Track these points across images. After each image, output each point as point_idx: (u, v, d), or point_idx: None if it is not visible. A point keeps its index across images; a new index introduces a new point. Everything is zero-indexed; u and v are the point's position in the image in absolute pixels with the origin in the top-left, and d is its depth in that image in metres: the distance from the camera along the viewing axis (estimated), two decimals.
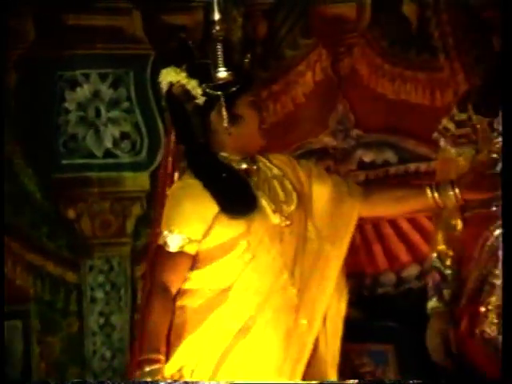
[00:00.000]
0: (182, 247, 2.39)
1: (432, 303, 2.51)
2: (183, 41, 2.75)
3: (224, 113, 2.41)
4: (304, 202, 2.51)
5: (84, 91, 3.26)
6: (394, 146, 3.21)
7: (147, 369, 2.31)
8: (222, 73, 2.44)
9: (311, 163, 2.67)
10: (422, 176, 3.08)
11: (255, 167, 2.50)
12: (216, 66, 2.42)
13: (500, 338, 2.38)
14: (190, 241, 2.39)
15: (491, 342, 2.41)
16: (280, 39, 3.32)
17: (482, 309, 2.41)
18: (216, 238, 2.39)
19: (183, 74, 2.41)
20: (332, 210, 2.55)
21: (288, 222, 2.43)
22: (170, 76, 2.43)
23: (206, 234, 2.39)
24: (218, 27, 2.44)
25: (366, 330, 2.98)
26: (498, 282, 2.41)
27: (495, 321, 2.41)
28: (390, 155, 3.22)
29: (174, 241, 2.39)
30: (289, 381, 2.42)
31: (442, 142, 2.52)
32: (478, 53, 2.88)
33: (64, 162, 3.24)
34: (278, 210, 2.47)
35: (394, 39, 3.17)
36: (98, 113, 3.28)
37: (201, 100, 2.42)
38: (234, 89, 2.42)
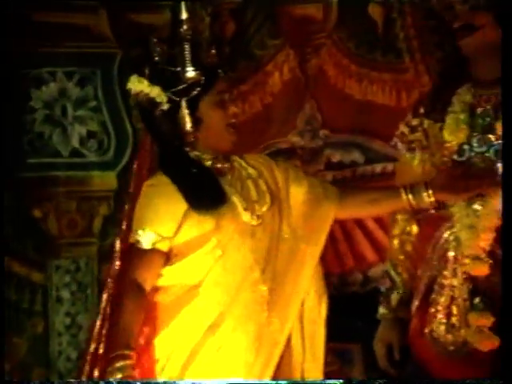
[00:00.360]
0: (154, 244, 2.41)
1: (381, 310, 2.57)
2: (147, 42, 2.66)
3: (186, 117, 2.44)
4: (279, 202, 2.54)
5: (50, 89, 3.27)
6: (361, 147, 3.25)
7: (118, 364, 2.32)
8: (190, 72, 2.46)
9: (289, 164, 2.69)
10: (388, 177, 3.10)
11: (228, 166, 2.51)
12: (184, 66, 2.43)
13: (449, 337, 2.43)
14: (162, 238, 2.41)
15: (439, 341, 2.44)
16: (248, 39, 3.35)
17: (432, 309, 2.44)
18: (185, 235, 2.41)
19: (146, 83, 2.44)
20: (308, 211, 2.56)
21: (259, 222, 2.45)
22: (134, 85, 2.46)
23: (177, 231, 2.40)
24: (185, 26, 2.45)
25: (333, 329, 3.02)
26: (447, 282, 2.45)
27: (443, 321, 2.44)
28: (357, 155, 3.26)
29: (146, 238, 2.42)
30: (259, 379, 2.44)
31: (399, 147, 2.57)
32: (441, 55, 2.92)
33: (30, 160, 3.25)
34: (249, 208, 2.48)
35: (360, 40, 3.21)
36: (64, 111, 3.29)
37: (165, 106, 2.44)
38: (195, 92, 2.42)
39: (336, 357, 3.05)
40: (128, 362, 2.35)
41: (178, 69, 2.44)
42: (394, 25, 3.11)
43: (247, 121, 3.33)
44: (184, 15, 2.47)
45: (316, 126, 3.30)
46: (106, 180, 3.25)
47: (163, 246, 2.39)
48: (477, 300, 2.41)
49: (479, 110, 2.47)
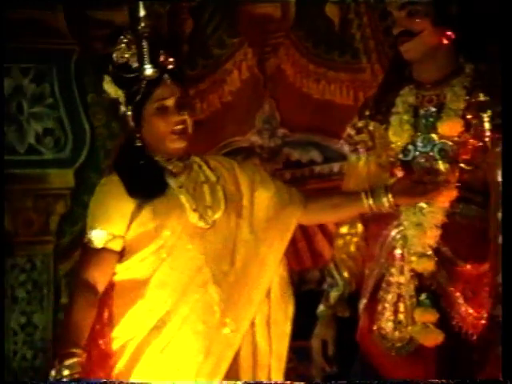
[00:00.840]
0: (106, 244, 2.45)
1: (320, 307, 2.63)
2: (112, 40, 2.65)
3: (130, 121, 2.46)
4: (240, 206, 2.55)
5: (6, 86, 3.22)
6: (319, 146, 3.29)
7: (66, 362, 2.33)
8: (148, 70, 2.47)
9: (256, 168, 2.71)
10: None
11: (182, 167, 2.51)
12: (142, 63, 2.44)
13: (396, 334, 2.48)
14: (114, 237, 2.43)
15: (387, 338, 2.49)
16: (206, 37, 3.35)
17: (379, 307, 2.49)
18: (134, 233, 2.42)
19: (110, 82, 2.47)
20: (272, 215, 2.58)
21: (210, 225, 2.46)
22: (104, 84, 2.49)
23: (128, 229, 2.42)
24: (143, 24, 2.45)
25: (291, 327, 3.06)
26: (394, 279, 2.49)
27: (391, 318, 2.49)
28: (315, 154, 3.30)
29: (97, 237, 2.43)
30: (208, 381, 2.44)
31: (346, 149, 2.63)
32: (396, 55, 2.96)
33: None
34: (200, 211, 2.48)
35: (318, 40, 3.24)
36: (20, 108, 3.25)
37: (123, 108, 2.47)
38: (138, 98, 2.44)
39: (293, 354, 2.94)
40: (76, 359, 2.36)
41: (135, 71, 2.44)
42: (350, 25, 3.16)
43: (206, 119, 3.32)
44: (142, 12, 2.50)
45: (275, 124, 3.33)
46: (63, 178, 3.23)
47: (115, 245, 2.41)
48: (423, 296, 2.46)
49: (422, 111, 2.51)
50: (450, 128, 2.48)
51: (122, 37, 2.51)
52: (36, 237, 3.26)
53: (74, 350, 2.35)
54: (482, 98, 2.49)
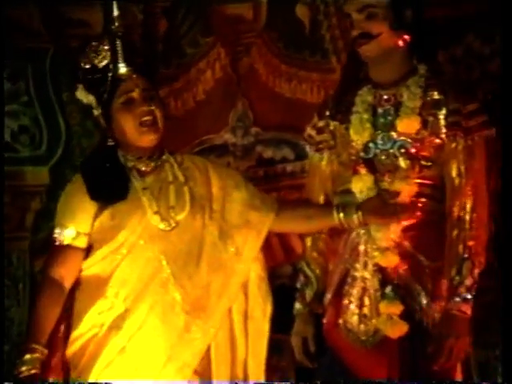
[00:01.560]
0: (72, 241, 2.45)
1: (296, 305, 2.66)
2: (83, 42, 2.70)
3: (101, 121, 2.50)
4: (209, 208, 2.54)
5: None
6: (292, 143, 3.33)
7: (25, 357, 2.35)
8: (122, 68, 2.50)
9: (233, 171, 2.75)
10: None
11: (152, 167, 2.52)
12: (116, 62, 2.48)
13: (361, 327, 2.54)
14: (78, 234, 2.46)
15: (353, 331, 2.54)
16: (180, 37, 3.36)
17: (345, 301, 2.55)
18: (96, 231, 2.45)
19: (83, 90, 2.50)
20: (244, 221, 2.59)
21: (171, 227, 2.47)
22: (77, 92, 2.53)
23: (92, 227, 2.45)
24: (116, 23, 2.49)
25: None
26: (359, 274, 2.55)
27: (356, 311, 2.54)
28: (287, 152, 3.34)
29: (62, 235, 2.45)
30: (172, 381, 2.44)
31: (308, 149, 2.68)
32: None
33: None
34: (162, 213, 2.48)
35: (289, 40, 3.26)
36: None
37: (95, 112, 2.50)
38: (105, 96, 2.46)
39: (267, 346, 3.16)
40: (35, 355, 2.37)
41: (103, 71, 2.46)
42: (320, 26, 3.20)
43: (180, 117, 3.35)
44: (116, 12, 2.54)
45: (248, 123, 3.36)
46: (39, 175, 3.26)
47: (80, 243, 2.44)
48: (388, 289, 2.51)
49: (380, 110, 2.57)
50: (408, 126, 2.54)
51: (88, 44, 2.53)
52: (12, 233, 3.27)
53: (34, 346, 2.37)
54: (436, 96, 2.55)
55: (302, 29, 3.22)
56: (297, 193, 3.23)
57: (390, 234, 2.54)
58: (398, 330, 2.51)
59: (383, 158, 2.56)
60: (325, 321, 2.62)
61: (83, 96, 2.50)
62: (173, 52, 3.35)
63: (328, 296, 2.61)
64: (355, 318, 2.57)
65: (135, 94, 2.47)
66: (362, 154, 2.59)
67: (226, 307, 2.53)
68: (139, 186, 2.48)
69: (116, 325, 2.43)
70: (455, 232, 2.53)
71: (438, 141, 2.56)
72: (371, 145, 2.57)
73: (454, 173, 2.54)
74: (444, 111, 2.55)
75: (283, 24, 3.27)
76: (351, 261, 2.58)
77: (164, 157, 2.54)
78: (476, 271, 2.52)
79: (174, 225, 2.47)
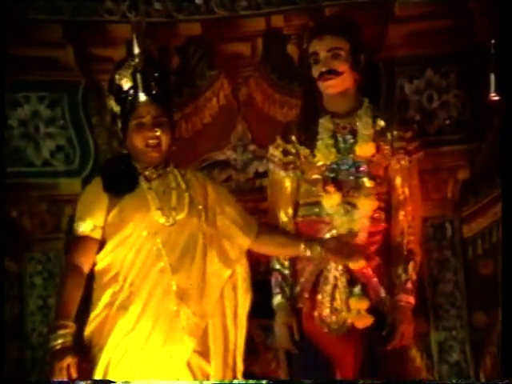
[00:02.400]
0: (89, 232, 2.69)
1: (277, 300, 2.90)
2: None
3: (119, 135, 2.75)
4: (205, 214, 2.72)
5: (25, 111, 3.43)
6: None
7: (60, 332, 2.55)
8: (142, 97, 2.79)
9: (225, 191, 2.92)
10: None
11: (157, 175, 2.73)
12: (136, 91, 2.74)
13: (333, 318, 2.80)
14: (95, 227, 2.69)
15: (325, 322, 2.83)
16: (190, 71, 3.52)
17: (319, 296, 2.84)
18: (108, 225, 2.69)
19: (113, 100, 2.75)
20: (229, 233, 2.78)
21: (172, 223, 2.66)
22: (108, 101, 2.77)
23: (105, 221, 2.68)
24: (137, 59, 2.76)
25: (259, 309, 3.19)
26: (331, 275, 2.83)
27: (328, 305, 2.83)
28: None
29: (81, 227, 2.71)
30: (169, 365, 2.60)
31: (271, 166, 2.97)
32: None
33: (9, 169, 3.40)
34: (164, 210, 2.68)
35: (281, 73, 3.49)
36: (37, 129, 3.44)
37: (119, 124, 2.75)
38: (125, 116, 2.70)
39: (261, 330, 3.36)
40: (68, 330, 2.57)
41: (127, 93, 2.69)
42: (307, 61, 3.23)
43: (190, 137, 3.51)
44: (136, 50, 2.77)
45: (246, 142, 3.54)
46: (72, 186, 3.38)
47: (96, 234, 2.70)
48: (357, 288, 2.82)
49: (340, 136, 2.88)
50: (365, 150, 2.84)
51: (119, 65, 2.78)
52: (50, 235, 3.43)
53: (65, 322, 2.57)
54: (382, 124, 2.87)
55: (292, 63, 3.47)
56: None
57: (358, 241, 2.82)
58: (365, 321, 2.82)
59: (346, 177, 2.85)
60: (303, 313, 2.88)
61: (113, 105, 2.71)
62: (184, 83, 3.51)
63: (305, 295, 2.89)
64: (328, 311, 2.85)
65: (146, 120, 2.69)
66: (327, 173, 2.86)
67: (212, 302, 2.70)
68: (145, 186, 2.69)
69: (123, 306, 2.63)
70: (399, 238, 2.83)
71: (386, 162, 2.88)
72: (335, 166, 2.86)
73: (399, 188, 2.84)
74: (389, 137, 2.86)
75: (276, 60, 3.50)
76: (324, 263, 2.82)
77: (169, 168, 2.76)
78: (416, 269, 2.82)
79: (173, 222, 2.65)
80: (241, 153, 3.54)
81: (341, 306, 2.84)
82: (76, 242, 2.70)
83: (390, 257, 2.91)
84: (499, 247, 2.99)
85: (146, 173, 2.73)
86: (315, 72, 2.88)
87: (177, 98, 3.38)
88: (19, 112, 3.44)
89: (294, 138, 2.94)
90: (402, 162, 2.89)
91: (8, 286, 3.37)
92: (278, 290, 2.90)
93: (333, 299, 2.85)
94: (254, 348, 3.27)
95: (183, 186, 2.75)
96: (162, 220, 2.66)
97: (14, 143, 3.46)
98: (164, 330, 2.62)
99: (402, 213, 2.89)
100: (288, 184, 2.92)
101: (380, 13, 3.19)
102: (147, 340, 2.63)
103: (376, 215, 2.86)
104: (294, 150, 2.92)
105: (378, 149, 2.90)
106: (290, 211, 2.93)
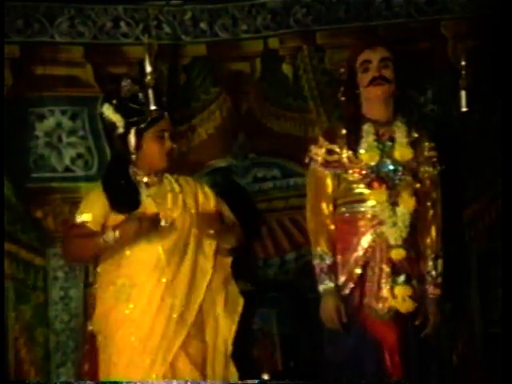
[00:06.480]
0: (86, 222, 2.89)
1: (324, 286, 3.00)
2: (119, 83, 3.00)
3: (132, 142, 2.89)
4: (196, 217, 2.88)
5: (49, 123, 3.63)
6: (279, 166, 3.75)
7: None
8: (154, 111, 2.99)
9: (213, 194, 3.06)
10: (298, 187, 3.63)
11: (156, 181, 2.90)
12: (147, 105, 2.94)
13: (380, 305, 2.95)
14: (94, 219, 2.88)
15: (373, 308, 3.00)
16: (196, 87, 3.70)
17: (368, 285, 3.00)
18: (113, 222, 2.89)
19: (111, 110, 2.92)
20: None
21: (168, 224, 2.83)
22: (104, 110, 2.92)
23: (106, 218, 2.88)
24: (149, 77, 2.90)
25: (257, 299, 3.51)
26: (376, 266, 2.97)
27: (376, 294, 2.98)
28: (276, 172, 3.76)
29: (81, 218, 2.94)
30: (162, 359, 2.75)
31: (313, 165, 3.07)
32: (335, 101, 3.46)
33: (34, 175, 3.62)
34: (161, 214, 2.84)
35: (278, 89, 3.68)
36: (59, 139, 3.64)
37: (121, 130, 2.89)
38: (142, 126, 2.87)
39: (259, 318, 3.61)
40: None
41: (141, 105, 2.87)
42: (300, 79, 3.66)
43: (195, 146, 3.70)
44: (148, 69, 2.89)
45: (246, 150, 3.72)
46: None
47: (93, 226, 2.90)
48: (402, 277, 3.00)
49: (381, 141, 3.04)
50: (403, 155, 3.02)
51: (129, 80, 2.98)
52: None
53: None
54: (415, 135, 3.05)
55: (287, 81, 3.66)
56: (282, 202, 3.72)
57: (402, 233, 2.95)
58: (410, 307, 2.97)
59: (388, 177, 2.99)
60: (353, 301, 3.00)
61: (110, 113, 2.88)
62: (191, 98, 3.68)
63: (350, 284, 2.99)
64: (375, 299, 2.98)
65: (166, 134, 2.90)
66: (370, 172, 2.99)
67: (198, 299, 2.85)
68: (144, 194, 2.91)
69: (126, 298, 2.82)
70: (428, 236, 3.04)
71: (419, 168, 3.06)
72: (378, 167, 3.00)
73: (431, 192, 3.06)
74: (423, 147, 3.06)
75: (273, 77, 3.67)
76: (369, 255, 2.98)
77: (164, 174, 2.98)
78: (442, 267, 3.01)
79: (170, 223, 2.84)
80: (241, 160, 3.73)
81: (387, 294, 2.96)
82: (75, 227, 2.91)
83: (421, 251, 3.06)
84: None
85: (147, 179, 2.90)
86: (365, 78, 2.97)
87: (184, 110, 3.60)
88: (45, 124, 3.64)
89: (339, 139, 3.04)
90: (432, 170, 3.06)
91: (34, 278, 3.59)
92: (324, 276, 2.99)
93: (379, 288, 2.97)
94: (252, 335, 3.52)
95: (177, 189, 2.93)
96: (162, 222, 2.87)
97: (39, 151, 3.65)
98: (162, 327, 2.82)
99: (431, 212, 3.05)
100: (329, 182, 3.01)
101: (367, 37, 3.33)
102: (148, 332, 2.83)
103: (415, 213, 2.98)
104: (338, 150, 3.02)
105: (414, 155, 3.04)
106: (331, 207, 3.02)
